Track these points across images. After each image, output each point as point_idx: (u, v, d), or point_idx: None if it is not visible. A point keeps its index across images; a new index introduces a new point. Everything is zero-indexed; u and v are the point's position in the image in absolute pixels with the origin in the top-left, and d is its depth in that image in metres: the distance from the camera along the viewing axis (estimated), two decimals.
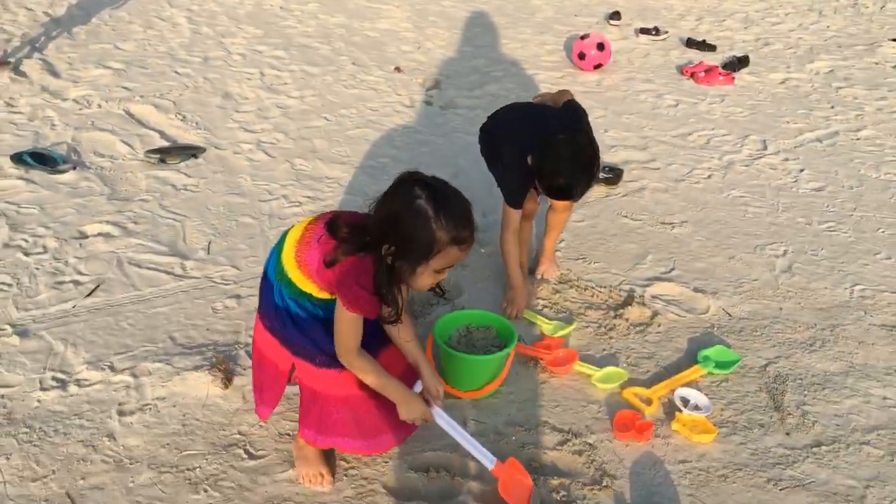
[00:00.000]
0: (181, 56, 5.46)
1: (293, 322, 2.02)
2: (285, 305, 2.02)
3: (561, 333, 2.87)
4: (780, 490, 2.28)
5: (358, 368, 2.00)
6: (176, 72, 5.16)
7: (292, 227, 2.06)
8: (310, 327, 2.02)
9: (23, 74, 4.90)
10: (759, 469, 2.36)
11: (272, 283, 2.05)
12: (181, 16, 6.31)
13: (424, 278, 1.93)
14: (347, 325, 1.93)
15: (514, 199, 2.93)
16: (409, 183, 1.86)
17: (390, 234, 1.85)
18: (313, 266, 1.94)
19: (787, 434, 2.50)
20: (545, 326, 2.92)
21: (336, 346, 1.97)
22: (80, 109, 4.51)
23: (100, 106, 4.57)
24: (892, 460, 2.41)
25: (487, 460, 2.20)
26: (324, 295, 1.99)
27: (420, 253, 1.85)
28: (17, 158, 3.83)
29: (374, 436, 2.13)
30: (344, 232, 1.91)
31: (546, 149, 2.72)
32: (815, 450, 2.44)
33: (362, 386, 2.05)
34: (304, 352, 2.03)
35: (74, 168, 3.85)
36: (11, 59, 5.03)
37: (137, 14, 6.27)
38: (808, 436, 2.49)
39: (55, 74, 4.96)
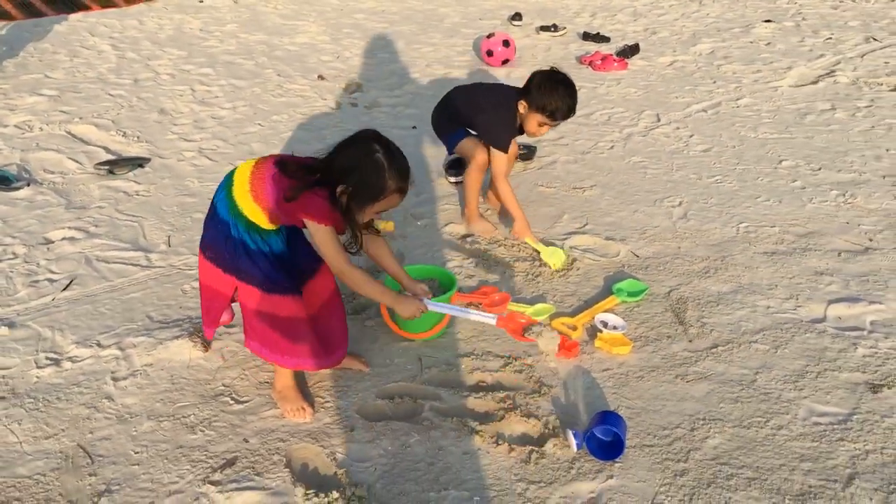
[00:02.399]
0: (111, 80, 5.71)
1: (246, 253, 2.36)
2: (241, 239, 2.36)
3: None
4: (687, 382, 2.75)
5: (352, 279, 2.42)
6: (109, 94, 5.42)
7: (236, 168, 2.40)
8: (258, 259, 2.38)
9: None
10: (668, 369, 2.82)
11: (226, 220, 2.36)
12: (105, 44, 6.54)
13: (367, 216, 2.37)
14: (329, 241, 2.33)
15: (506, 144, 3.56)
16: (369, 139, 2.29)
17: (349, 177, 2.26)
18: (271, 200, 2.30)
19: (690, 341, 2.98)
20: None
21: (331, 266, 2.40)
22: (23, 134, 4.73)
23: (41, 129, 4.80)
24: (776, 352, 2.91)
25: (490, 319, 2.72)
26: (270, 226, 2.36)
27: (371, 196, 2.29)
28: None
29: (305, 356, 2.51)
30: (297, 172, 2.30)
31: (540, 89, 3.40)
32: (713, 350, 2.92)
33: (304, 310, 2.45)
34: (253, 279, 2.38)
35: (28, 185, 4.09)
36: None
37: (61, 45, 6.47)
38: (706, 341, 2.97)
39: None
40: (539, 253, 3.51)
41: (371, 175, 2.26)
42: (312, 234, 2.35)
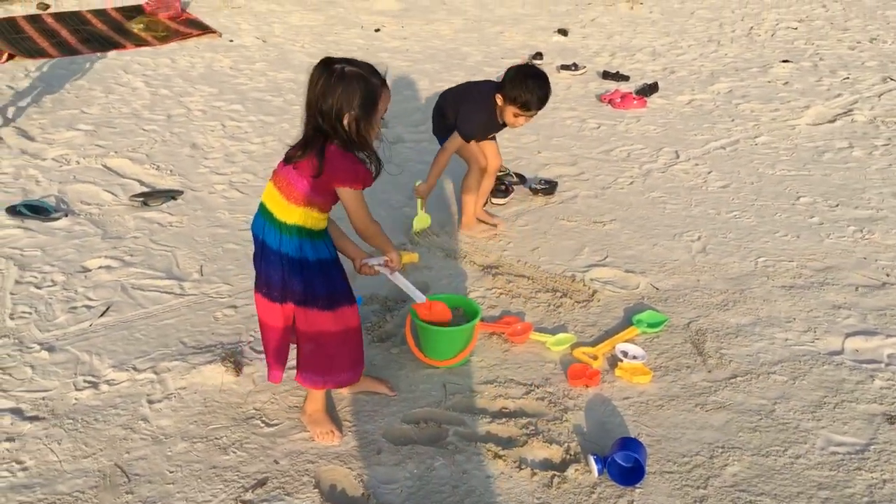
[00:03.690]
0: (145, 115, 5.91)
1: (302, 270, 2.43)
2: (301, 257, 2.43)
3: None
4: (706, 411, 2.81)
5: (373, 233, 2.55)
6: (143, 129, 5.60)
7: (261, 203, 2.48)
8: (319, 273, 2.45)
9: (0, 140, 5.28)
10: (688, 398, 2.88)
11: (278, 250, 2.42)
12: (138, 81, 6.75)
13: (375, 127, 2.40)
14: (358, 203, 2.43)
15: (469, 133, 3.83)
16: (328, 66, 2.32)
17: (346, 105, 2.30)
18: (305, 190, 2.36)
19: (709, 371, 3.04)
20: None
21: (356, 226, 2.50)
22: (61, 167, 4.90)
23: (78, 162, 4.97)
24: (794, 383, 2.96)
25: (421, 298, 2.95)
26: (319, 225, 2.45)
27: (371, 103, 2.34)
28: (13, 210, 4.21)
29: (358, 365, 2.65)
30: (304, 149, 2.36)
31: (511, 82, 3.65)
32: (732, 381, 2.98)
33: (353, 321, 2.56)
34: (310, 298, 2.46)
35: (66, 215, 4.24)
36: None
37: (96, 82, 6.69)
38: (725, 371, 3.03)
39: (30, 138, 5.34)
40: (417, 209, 4.05)
41: (360, 87, 2.30)
42: (345, 200, 2.40)
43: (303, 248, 2.43)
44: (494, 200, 4.45)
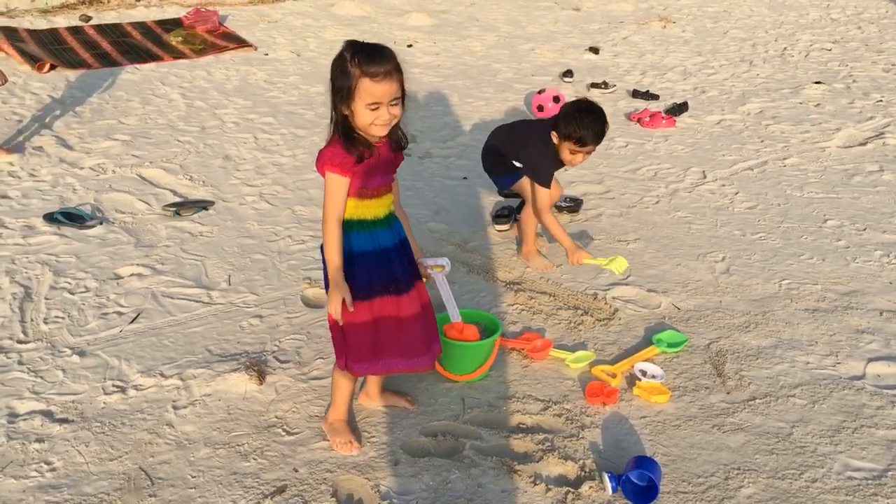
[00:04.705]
0: (180, 127, 6.04)
1: (349, 263, 2.46)
2: (350, 249, 2.46)
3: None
4: (723, 433, 2.81)
5: (328, 235, 2.41)
6: (178, 140, 5.73)
7: None
8: (357, 266, 2.47)
9: (39, 149, 5.43)
10: (705, 419, 2.89)
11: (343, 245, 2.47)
12: (175, 93, 6.91)
13: (362, 115, 2.30)
14: (328, 188, 2.39)
15: (547, 179, 3.76)
16: (343, 47, 2.32)
17: (332, 88, 2.32)
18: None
19: (728, 393, 3.04)
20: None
21: (323, 215, 2.42)
22: (97, 175, 5.04)
23: (114, 172, 5.11)
24: (814, 407, 2.95)
25: (457, 317, 2.99)
26: (370, 212, 2.49)
27: (345, 90, 2.28)
28: (50, 217, 4.34)
29: (407, 355, 2.60)
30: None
31: (566, 118, 3.62)
32: (750, 403, 2.98)
33: (391, 310, 2.54)
34: (352, 289, 2.44)
35: (101, 223, 4.35)
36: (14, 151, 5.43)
37: (134, 93, 6.86)
38: (744, 393, 3.03)
39: (69, 147, 5.49)
40: (601, 265, 3.60)
41: (336, 71, 2.29)
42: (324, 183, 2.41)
43: (351, 241, 2.47)
44: (498, 228, 4.44)
